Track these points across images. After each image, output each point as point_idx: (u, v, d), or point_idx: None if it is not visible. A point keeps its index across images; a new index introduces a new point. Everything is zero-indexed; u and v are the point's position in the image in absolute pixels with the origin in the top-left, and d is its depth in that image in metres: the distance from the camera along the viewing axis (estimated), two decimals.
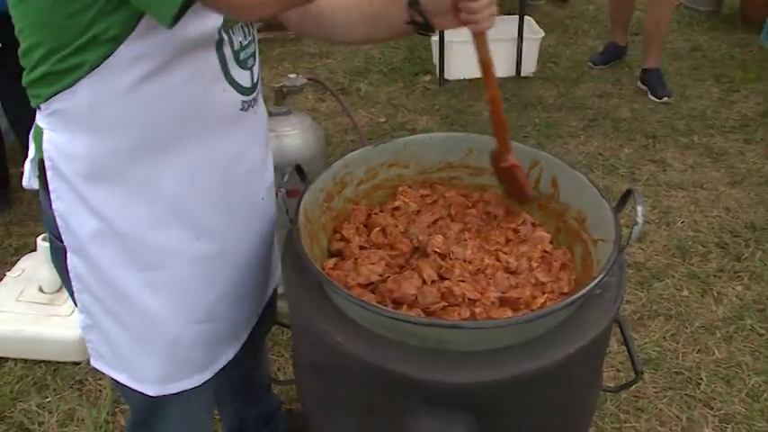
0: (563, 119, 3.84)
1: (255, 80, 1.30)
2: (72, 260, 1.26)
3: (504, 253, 1.41)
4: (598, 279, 1.17)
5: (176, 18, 0.96)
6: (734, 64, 4.49)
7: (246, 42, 1.24)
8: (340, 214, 1.50)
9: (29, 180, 1.28)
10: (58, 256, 1.28)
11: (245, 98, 1.26)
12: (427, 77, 4.38)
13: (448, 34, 4.16)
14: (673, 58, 4.62)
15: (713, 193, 3.18)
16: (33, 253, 2.60)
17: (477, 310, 1.23)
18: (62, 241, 1.24)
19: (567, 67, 4.52)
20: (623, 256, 1.31)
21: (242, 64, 1.24)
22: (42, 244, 2.36)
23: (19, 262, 2.64)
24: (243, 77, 1.24)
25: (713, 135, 3.66)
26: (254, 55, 1.28)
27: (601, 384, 1.43)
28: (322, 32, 1.43)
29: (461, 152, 1.62)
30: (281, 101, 2.21)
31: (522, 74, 4.33)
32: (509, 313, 1.25)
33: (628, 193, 1.37)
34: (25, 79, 1.15)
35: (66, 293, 2.30)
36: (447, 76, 4.30)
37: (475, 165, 1.62)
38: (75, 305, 1.32)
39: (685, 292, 2.61)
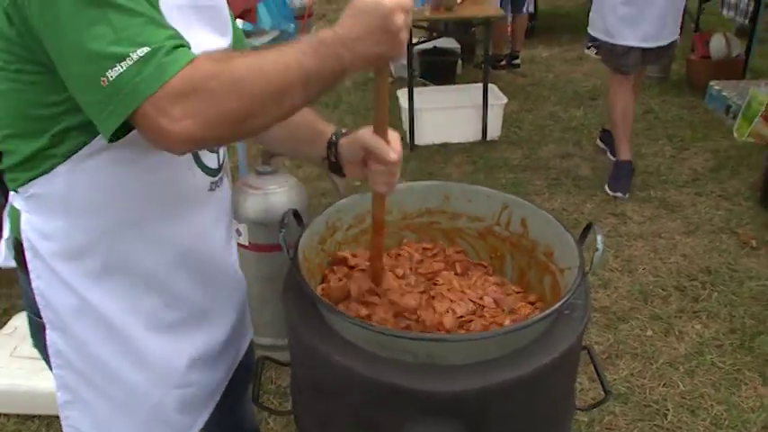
0: (528, 178, 4.07)
1: (222, 161, 1.38)
2: (51, 336, 1.27)
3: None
4: (567, 296, 1.33)
5: (116, 136, 1.00)
6: (683, 124, 4.80)
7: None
8: (334, 256, 1.65)
9: (5, 259, 1.31)
10: (38, 333, 1.30)
11: (213, 179, 1.34)
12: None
13: (417, 101, 4.42)
14: None
15: (670, 242, 3.40)
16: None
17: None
18: (41, 318, 1.26)
19: (530, 130, 4.79)
20: (587, 280, 1.47)
21: (211, 147, 1.31)
22: None
23: (11, 320, 2.72)
24: (211, 160, 1.33)
25: (668, 189, 3.91)
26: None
27: (574, 401, 1.57)
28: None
29: (439, 199, 1.79)
30: (267, 161, 2.38)
31: (489, 138, 4.58)
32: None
33: (588, 227, 1.54)
34: (3, 165, 1.20)
35: None
36: (417, 141, 4.52)
37: (452, 210, 1.79)
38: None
39: (649, 332, 2.79)
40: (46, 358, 1.31)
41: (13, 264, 1.29)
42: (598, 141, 4.39)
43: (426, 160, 4.33)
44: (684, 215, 3.64)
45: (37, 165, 1.15)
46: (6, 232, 1.29)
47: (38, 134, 1.12)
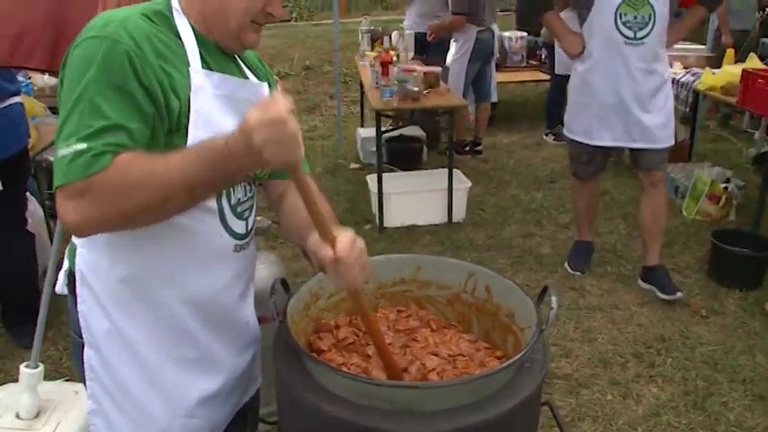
0: (492, 257, 4.29)
1: (250, 228, 1.59)
2: (88, 353, 1.50)
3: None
4: (527, 348, 1.52)
5: None
6: (637, 204, 5.06)
7: (245, 198, 1.55)
8: (317, 322, 1.82)
9: (61, 287, 1.57)
10: (77, 350, 1.53)
11: (239, 242, 1.53)
12: (368, 226, 4.81)
13: (386, 186, 4.66)
14: None
15: (627, 313, 3.62)
16: (9, 384, 2.79)
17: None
18: (81, 338, 1.49)
19: (493, 212, 5.05)
20: (544, 336, 1.66)
21: (239, 215, 1.53)
22: (25, 371, 2.55)
23: None
24: (238, 226, 1.53)
25: (624, 264, 4.16)
26: (251, 208, 1.59)
27: None
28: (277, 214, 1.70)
29: (411, 269, 1.98)
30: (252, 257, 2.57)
31: (454, 220, 4.82)
32: None
33: (545, 290, 1.74)
34: None
35: (43, 419, 2.53)
36: (386, 224, 4.75)
37: (423, 279, 1.98)
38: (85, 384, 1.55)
39: (609, 396, 2.96)
40: (81, 372, 1.53)
41: (65, 291, 1.55)
42: (641, 283, 3.91)
43: (395, 242, 4.54)
44: (637, 287, 3.87)
45: None
46: (66, 265, 1.54)
47: None
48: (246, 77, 1.56)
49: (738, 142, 6.37)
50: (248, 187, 1.57)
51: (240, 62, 1.57)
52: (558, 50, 6.38)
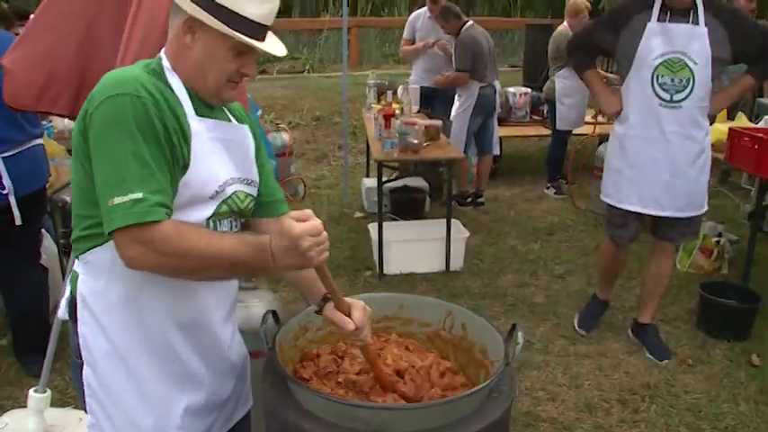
0: (487, 305, 4.41)
1: None
2: (86, 372, 1.67)
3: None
4: (493, 378, 1.66)
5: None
6: (632, 257, 5.14)
7: (231, 232, 1.72)
8: (303, 351, 1.96)
9: (63, 313, 1.74)
10: (78, 372, 1.70)
11: None
12: (368, 272, 4.95)
13: (386, 234, 4.81)
14: (582, 253, 5.36)
15: (615, 361, 3.72)
16: (16, 409, 2.93)
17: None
18: (81, 359, 1.66)
19: (490, 262, 5.19)
20: (511, 369, 1.80)
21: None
22: (33, 396, 2.70)
23: (3, 416, 2.94)
24: None
25: (615, 314, 4.27)
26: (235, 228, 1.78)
27: None
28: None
29: (394, 307, 2.13)
30: (249, 278, 2.72)
31: (451, 268, 4.96)
32: None
33: (513, 327, 1.89)
34: (72, 237, 1.64)
35: None
36: (386, 271, 4.89)
37: (405, 317, 2.13)
38: (85, 409, 1.71)
39: None
40: (81, 390, 1.70)
41: (67, 317, 1.71)
42: (630, 334, 3.98)
43: (393, 288, 4.67)
44: (629, 339, 3.98)
45: (93, 238, 1.58)
46: (67, 292, 1.72)
47: (94, 216, 1.53)
48: (230, 121, 1.77)
49: (736, 198, 6.50)
50: (234, 223, 1.74)
51: (224, 108, 1.78)
52: (558, 107, 6.60)
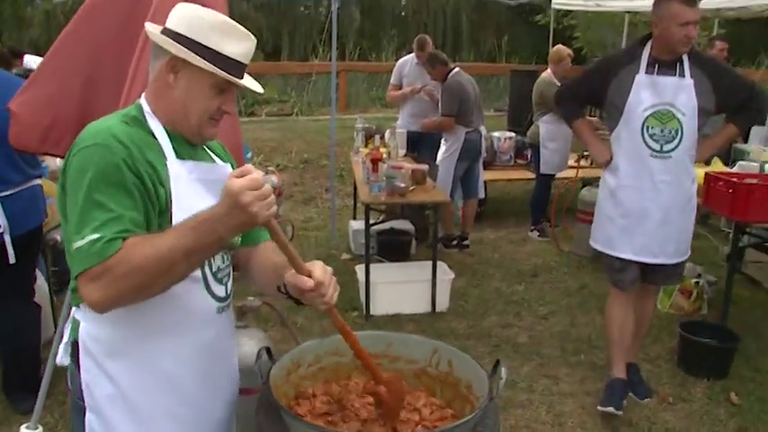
0: (472, 345, 4.49)
1: (229, 292, 1.86)
2: (89, 417, 1.71)
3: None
4: (477, 412, 1.74)
5: None
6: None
7: (224, 265, 1.82)
8: (297, 389, 2.04)
9: (61, 358, 1.81)
10: (79, 415, 1.73)
11: (221, 304, 1.82)
12: (355, 313, 5.02)
13: (373, 276, 4.90)
14: (565, 294, 5.48)
15: (597, 399, 3.78)
16: None
17: None
18: (84, 402, 1.70)
19: (475, 303, 5.28)
20: (495, 403, 1.88)
21: (219, 281, 1.80)
22: None
23: None
24: (219, 290, 1.80)
25: (597, 354, 4.37)
26: (228, 274, 1.86)
27: None
28: (246, 273, 1.98)
29: (383, 345, 2.21)
30: (240, 317, 2.80)
31: (437, 309, 5.04)
32: None
33: (497, 363, 1.97)
34: (71, 286, 1.67)
35: None
36: (372, 311, 4.97)
37: (393, 354, 2.21)
38: None
39: None
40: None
41: (67, 362, 1.76)
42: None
43: (380, 329, 4.71)
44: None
45: None
46: (66, 337, 1.78)
47: None
48: (213, 161, 1.86)
49: (714, 240, 6.65)
50: (225, 256, 1.84)
51: (206, 149, 1.86)
52: (542, 151, 6.77)
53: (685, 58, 3.41)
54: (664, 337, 4.59)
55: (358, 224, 6.40)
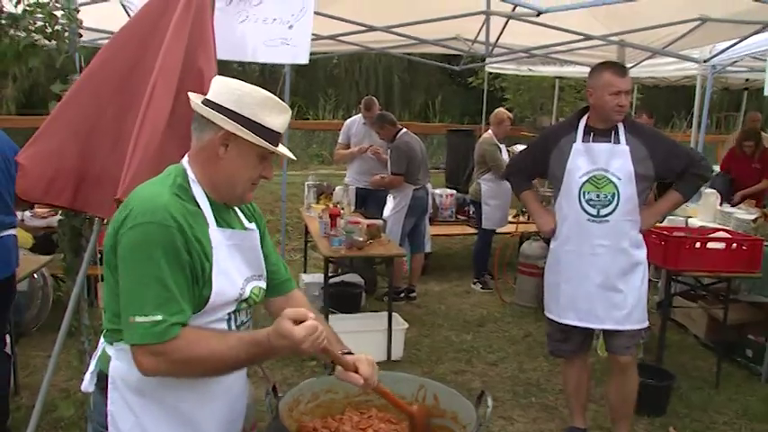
0: None
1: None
2: None
3: None
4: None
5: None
6: None
7: (246, 320, 2.00)
8: (297, 421, 2.21)
9: (87, 386, 1.94)
10: None
11: None
12: (313, 362, 5.14)
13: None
14: (511, 342, 5.75)
15: None
16: None
17: None
18: (106, 429, 1.86)
19: (428, 351, 5.50)
20: (484, 429, 2.10)
21: (239, 326, 1.96)
22: None
23: None
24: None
25: (547, 396, 4.64)
26: (248, 327, 2.03)
27: None
28: None
29: None
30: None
31: (393, 358, 5.24)
32: None
33: (481, 394, 2.20)
34: (105, 326, 1.87)
35: None
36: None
37: (382, 391, 2.40)
38: None
39: None
40: None
41: (91, 390, 1.92)
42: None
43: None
44: (560, 416, 4.34)
45: None
46: (92, 366, 1.93)
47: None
48: (244, 225, 2.02)
49: None
50: (249, 311, 2.01)
51: (235, 210, 2.03)
52: (484, 207, 7.11)
53: (620, 125, 3.55)
54: (606, 380, 4.88)
55: (309, 277, 6.57)
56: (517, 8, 4.34)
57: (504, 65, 9.82)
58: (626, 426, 3.89)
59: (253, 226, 2.06)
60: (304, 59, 3.25)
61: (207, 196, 1.87)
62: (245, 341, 1.75)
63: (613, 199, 3.55)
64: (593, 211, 3.59)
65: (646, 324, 3.70)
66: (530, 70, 10.62)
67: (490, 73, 12.58)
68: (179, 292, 1.71)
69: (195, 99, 1.87)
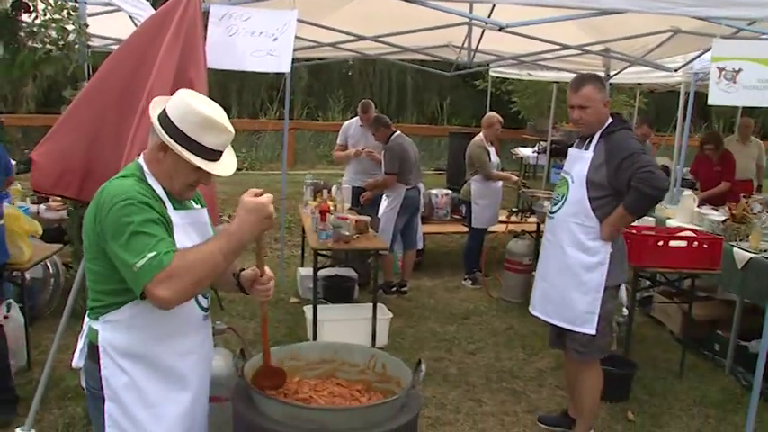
0: None
1: (209, 303, 2.42)
2: (108, 406, 2.19)
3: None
4: (405, 391, 2.32)
5: (142, 296, 2.01)
6: (536, 337, 5.97)
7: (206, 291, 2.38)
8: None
9: (77, 361, 2.30)
10: (97, 403, 2.22)
11: (205, 313, 2.38)
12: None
13: (320, 314, 5.44)
14: (492, 334, 6.10)
15: (515, 418, 4.41)
16: None
17: None
18: (102, 392, 2.20)
19: (411, 341, 5.86)
20: (417, 390, 2.46)
21: (203, 294, 2.34)
22: None
23: None
24: (203, 301, 2.36)
25: (517, 382, 5.00)
26: (208, 296, 2.42)
27: None
28: None
29: (330, 352, 2.79)
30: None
31: (377, 345, 5.56)
32: None
33: (419, 363, 2.56)
34: (90, 305, 2.21)
35: None
36: None
37: (339, 359, 2.78)
38: None
39: None
40: (100, 422, 2.22)
41: (82, 364, 2.27)
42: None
43: None
44: (527, 400, 4.69)
45: (110, 305, 2.17)
46: (80, 344, 2.28)
47: (110, 290, 2.15)
48: (196, 206, 2.40)
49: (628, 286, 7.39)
50: None
51: None
52: (474, 207, 7.43)
53: (597, 134, 3.75)
54: None
55: (306, 270, 6.94)
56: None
57: (507, 69, 10.15)
58: (582, 425, 4.07)
59: (203, 209, 2.43)
60: (286, 68, 3.63)
61: (161, 187, 2.21)
62: (220, 236, 2.09)
63: (562, 199, 3.86)
64: (551, 208, 4.01)
65: (591, 331, 3.78)
66: (529, 75, 10.94)
67: (496, 77, 12.91)
68: (161, 234, 2.04)
69: (156, 107, 2.22)
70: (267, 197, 2.09)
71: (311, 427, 2.20)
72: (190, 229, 2.28)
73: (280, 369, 2.52)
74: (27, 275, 4.87)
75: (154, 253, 1.98)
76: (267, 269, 2.36)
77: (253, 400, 2.33)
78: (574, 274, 3.80)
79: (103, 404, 2.22)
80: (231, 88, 18.67)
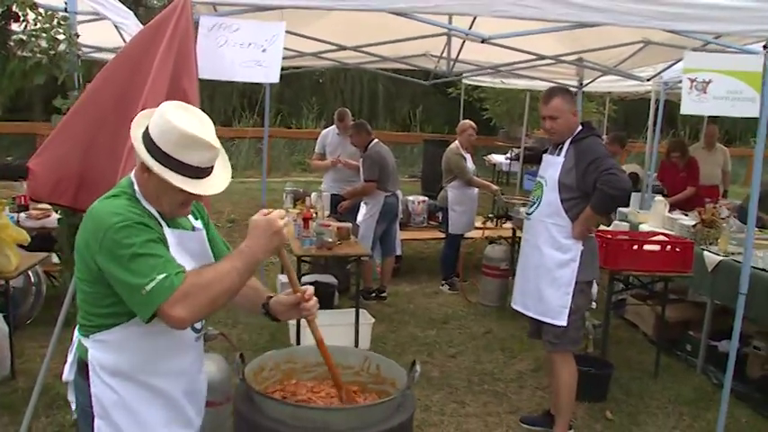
0: None
1: (202, 324, 2.40)
2: (98, 423, 2.16)
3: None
4: (401, 391, 2.41)
5: (150, 319, 1.96)
6: (515, 340, 6.11)
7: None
8: (261, 385, 2.65)
9: (68, 375, 2.29)
10: (87, 419, 2.18)
11: (197, 334, 2.35)
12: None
13: (303, 320, 5.49)
14: (472, 338, 6.21)
15: (498, 418, 4.52)
16: None
17: None
18: (92, 410, 2.15)
19: (393, 345, 5.95)
20: (411, 391, 2.55)
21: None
22: None
23: None
24: (197, 324, 2.31)
25: (498, 384, 5.11)
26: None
27: None
28: None
29: None
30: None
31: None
32: None
33: (413, 363, 2.65)
34: (80, 323, 2.17)
35: None
36: None
37: (334, 362, 2.86)
38: None
39: None
40: None
41: (72, 378, 2.26)
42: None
43: None
44: (509, 401, 4.81)
45: (101, 326, 2.13)
46: (71, 357, 2.27)
47: (102, 312, 2.12)
48: (192, 226, 2.35)
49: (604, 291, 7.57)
50: None
51: None
52: (450, 213, 7.56)
53: (568, 141, 4.05)
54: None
55: (285, 277, 6.99)
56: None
57: (480, 77, 10.29)
58: (561, 420, 4.23)
59: (199, 224, 2.38)
60: (275, 78, 3.70)
61: (153, 207, 2.15)
62: (233, 255, 2.08)
63: (537, 201, 4.18)
64: (528, 210, 4.33)
65: (562, 323, 4.03)
66: (502, 83, 11.10)
67: (468, 84, 13.06)
68: (165, 254, 2.00)
69: (140, 124, 2.15)
70: (275, 213, 2.11)
71: (313, 427, 2.27)
72: (183, 251, 2.21)
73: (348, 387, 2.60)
74: (11, 285, 4.88)
75: (164, 275, 1.95)
76: (307, 288, 2.44)
77: (254, 402, 2.39)
78: (548, 270, 4.10)
79: (93, 421, 2.19)
80: (202, 96, 18.48)
